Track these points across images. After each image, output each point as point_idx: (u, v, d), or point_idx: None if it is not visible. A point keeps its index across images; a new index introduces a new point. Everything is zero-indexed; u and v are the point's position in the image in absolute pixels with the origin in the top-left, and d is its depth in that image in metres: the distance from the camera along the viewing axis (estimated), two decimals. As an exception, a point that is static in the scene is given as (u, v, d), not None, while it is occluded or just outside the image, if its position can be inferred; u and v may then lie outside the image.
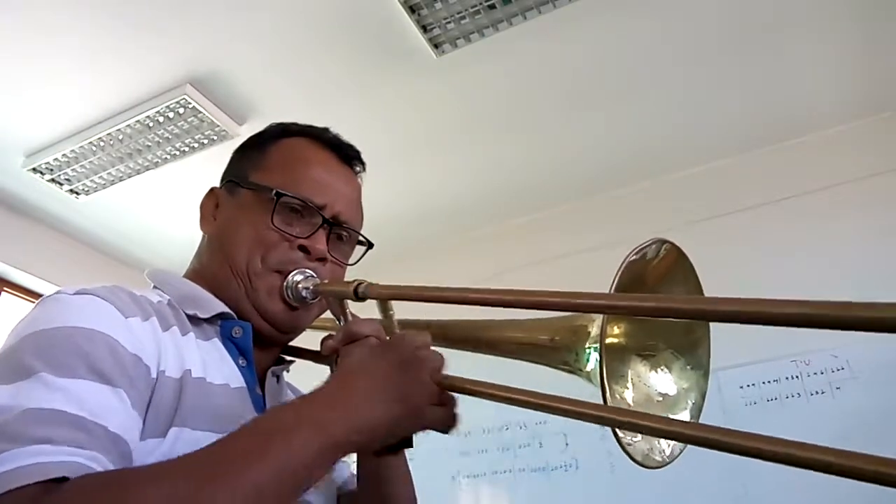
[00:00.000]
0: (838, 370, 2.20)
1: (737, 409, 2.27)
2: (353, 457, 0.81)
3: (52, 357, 0.55)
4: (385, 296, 0.72)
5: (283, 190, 0.77)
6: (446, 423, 0.64)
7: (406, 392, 0.61)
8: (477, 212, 3.01)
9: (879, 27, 2.13)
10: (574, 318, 0.70)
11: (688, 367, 0.70)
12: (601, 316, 0.64)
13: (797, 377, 2.27)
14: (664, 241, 0.66)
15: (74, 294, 0.63)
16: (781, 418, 2.18)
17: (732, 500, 2.20)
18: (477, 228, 3.08)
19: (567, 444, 2.54)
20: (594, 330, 0.66)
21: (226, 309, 0.75)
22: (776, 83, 2.35)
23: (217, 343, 0.74)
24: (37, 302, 0.64)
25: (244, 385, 0.72)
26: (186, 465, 0.50)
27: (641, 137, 2.60)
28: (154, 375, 0.62)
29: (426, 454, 2.66)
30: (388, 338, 0.71)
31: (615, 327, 0.72)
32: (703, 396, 0.69)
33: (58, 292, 0.64)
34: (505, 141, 2.59)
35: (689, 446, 0.65)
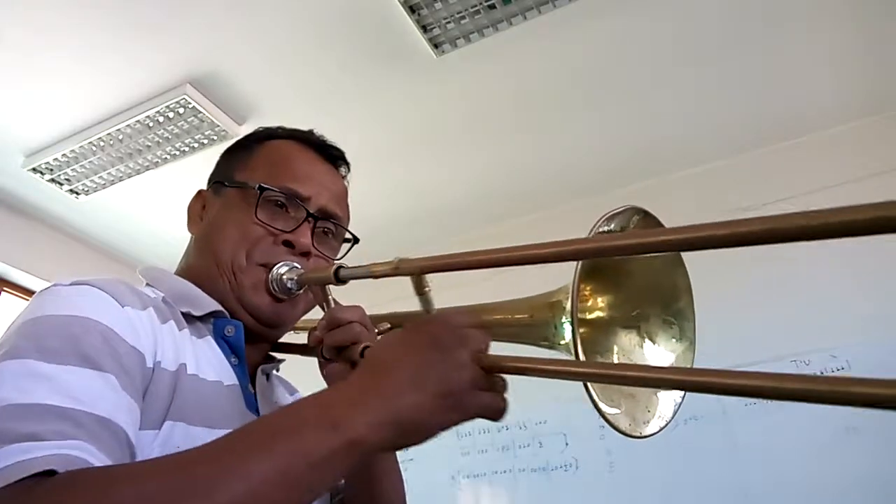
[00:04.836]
0: (838, 370, 2.20)
1: (736, 409, 2.27)
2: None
3: (42, 344, 0.55)
4: (421, 269, 0.64)
5: (266, 184, 0.78)
6: (495, 411, 0.55)
7: (445, 377, 0.53)
8: (477, 212, 3.01)
9: (880, 27, 2.13)
10: (550, 294, 0.70)
11: (673, 340, 0.70)
12: (575, 288, 0.63)
13: (797, 377, 2.27)
14: (635, 211, 0.65)
15: (70, 285, 0.63)
16: (781, 418, 2.18)
17: (731, 499, 2.20)
18: (477, 228, 3.08)
19: (567, 444, 2.55)
20: (569, 302, 0.65)
21: (219, 307, 0.76)
22: (776, 83, 2.35)
23: (210, 341, 0.74)
24: (34, 295, 0.64)
25: (237, 383, 0.73)
26: (175, 465, 0.47)
27: (641, 137, 2.60)
28: (150, 365, 0.62)
29: (426, 454, 2.68)
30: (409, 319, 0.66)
31: (599, 300, 0.72)
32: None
33: (54, 284, 0.64)
34: (505, 141, 2.59)
35: (673, 417, 0.65)
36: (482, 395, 0.55)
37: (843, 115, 2.51)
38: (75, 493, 0.44)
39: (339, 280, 0.73)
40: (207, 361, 0.70)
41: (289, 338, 0.87)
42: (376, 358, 0.57)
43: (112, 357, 0.57)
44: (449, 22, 1.98)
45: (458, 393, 0.53)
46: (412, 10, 1.93)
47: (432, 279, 0.64)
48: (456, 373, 0.53)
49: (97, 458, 0.49)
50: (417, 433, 0.53)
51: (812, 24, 2.11)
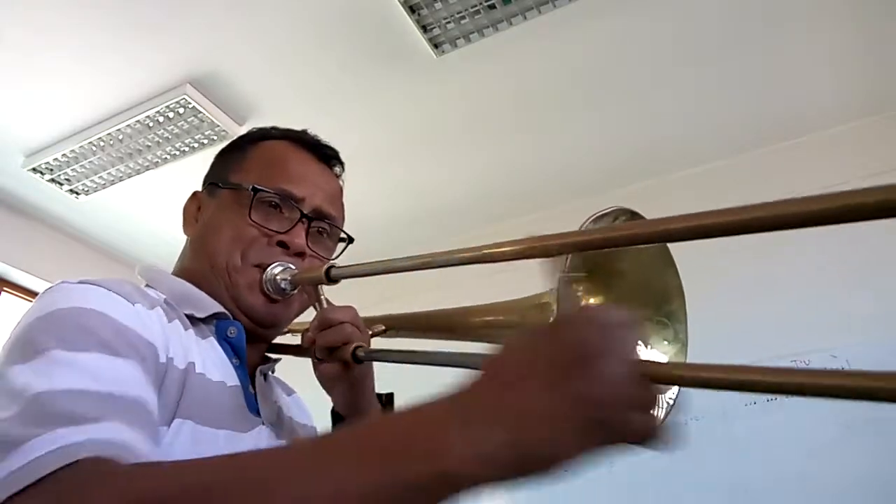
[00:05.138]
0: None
1: (736, 409, 2.27)
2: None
3: (61, 334, 0.55)
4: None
5: (260, 185, 0.78)
6: (647, 433, 0.43)
7: (594, 394, 0.40)
8: (477, 212, 3.01)
9: (880, 27, 2.13)
10: (540, 296, 0.70)
11: (665, 342, 0.70)
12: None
13: (797, 377, 2.26)
14: (622, 212, 0.65)
15: (77, 283, 0.63)
16: (781, 417, 2.18)
17: (730, 498, 2.20)
18: (477, 228, 3.08)
19: (567, 444, 2.54)
20: (556, 304, 0.64)
21: (221, 309, 0.76)
22: (776, 83, 2.35)
23: (213, 342, 0.74)
24: (42, 292, 0.64)
25: (238, 383, 0.73)
26: (205, 469, 0.45)
27: (641, 137, 2.60)
28: (163, 360, 0.63)
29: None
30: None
31: (589, 301, 0.72)
32: None
33: (61, 282, 0.64)
34: (505, 141, 2.59)
35: (666, 417, 0.65)
36: (635, 416, 0.42)
37: (843, 115, 2.50)
38: (133, 476, 0.45)
39: (331, 279, 0.73)
40: (212, 362, 0.71)
41: (285, 339, 0.88)
42: (495, 367, 0.44)
43: (129, 346, 0.58)
44: (449, 22, 1.98)
45: (613, 414, 0.40)
46: (412, 10, 1.93)
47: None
48: (610, 387, 0.40)
49: (137, 442, 0.50)
50: (541, 463, 0.42)
51: (812, 24, 2.11)
